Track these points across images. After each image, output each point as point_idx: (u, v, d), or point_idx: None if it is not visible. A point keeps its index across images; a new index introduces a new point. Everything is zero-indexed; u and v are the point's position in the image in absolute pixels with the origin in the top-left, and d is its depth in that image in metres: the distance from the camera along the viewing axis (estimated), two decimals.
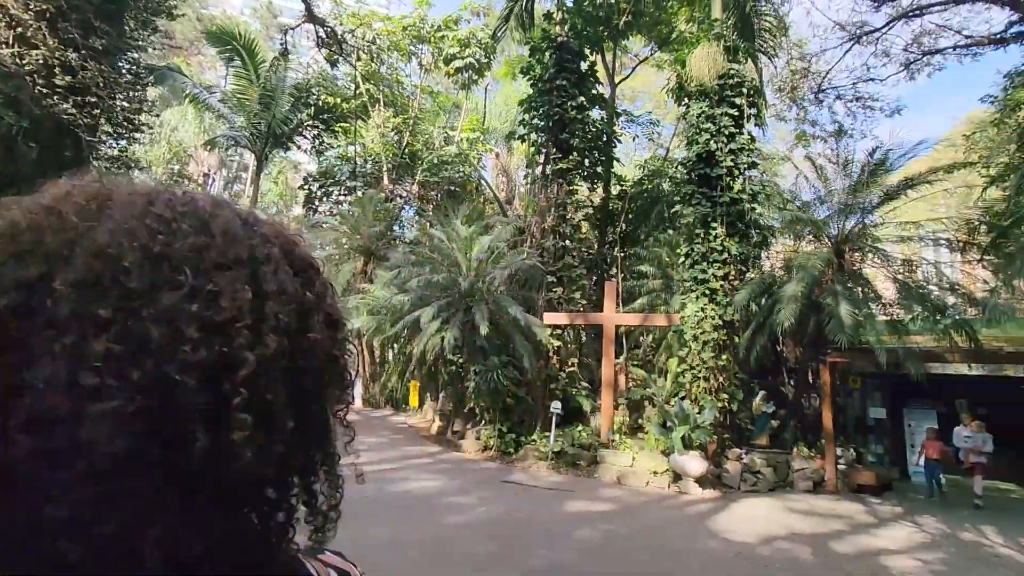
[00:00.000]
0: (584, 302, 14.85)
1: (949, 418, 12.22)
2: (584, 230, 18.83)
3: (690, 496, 9.89)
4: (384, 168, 22.07)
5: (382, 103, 22.85)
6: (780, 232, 13.81)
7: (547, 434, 12.26)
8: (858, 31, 16.80)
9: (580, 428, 12.82)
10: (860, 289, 11.41)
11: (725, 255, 11.94)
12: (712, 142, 12.27)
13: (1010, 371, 10.42)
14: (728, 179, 12.19)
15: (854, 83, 18.35)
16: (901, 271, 11.87)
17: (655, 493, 10.04)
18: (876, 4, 16.12)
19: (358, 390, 20.60)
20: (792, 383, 13.23)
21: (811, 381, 12.73)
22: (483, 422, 13.62)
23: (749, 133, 12.84)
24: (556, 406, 12.36)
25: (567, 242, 14.67)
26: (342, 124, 23.01)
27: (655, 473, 10.69)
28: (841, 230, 11.84)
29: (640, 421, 13.32)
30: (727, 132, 12.31)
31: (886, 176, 11.58)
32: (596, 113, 17.05)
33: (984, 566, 6.88)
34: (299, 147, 24.04)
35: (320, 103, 21.55)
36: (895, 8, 16.17)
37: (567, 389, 13.66)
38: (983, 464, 10.52)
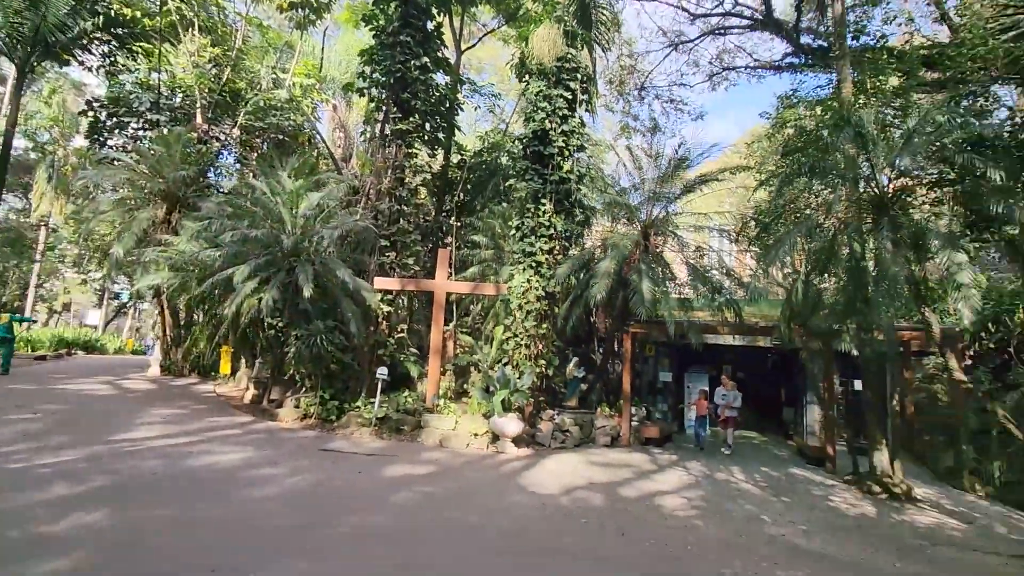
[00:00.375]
0: (417, 268, 14.72)
1: (719, 381, 14.71)
2: (422, 196, 18.54)
3: (506, 455, 10.53)
4: (198, 105, 19.19)
5: (197, 27, 19.71)
6: (601, 213, 15.07)
7: (372, 400, 12.07)
8: (676, 39, 18.77)
9: (407, 394, 12.83)
10: (660, 269, 13.00)
11: (552, 230, 12.71)
12: (547, 121, 12.85)
13: (762, 342, 12.81)
14: (559, 159, 12.91)
15: (669, 86, 20.56)
16: (692, 256, 13.80)
17: (475, 454, 10.49)
18: (691, 18, 18.12)
19: (155, 356, 18.08)
20: (601, 351, 14.73)
21: (616, 349, 14.28)
22: (304, 389, 12.93)
23: (580, 118, 13.68)
24: (383, 372, 12.19)
25: (403, 206, 14.32)
26: (143, 44, 19.35)
27: (476, 435, 11.18)
28: (649, 215, 13.31)
29: (466, 386, 13.77)
30: (561, 114, 12.98)
31: (686, 171, 13.28)
32: (440, 78, 16.73)
33: (730, 499, 8.46)
34: (83, 64, 19.69)
35: (113, 13, 17.82)
36: (706, 24, 18.37)
37: (395, 355, 13.54)
38: (734, 418, 12.80)
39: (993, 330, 11.56)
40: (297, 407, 12.32)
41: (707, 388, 14.11)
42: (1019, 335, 11.22)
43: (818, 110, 12.67)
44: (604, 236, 15.00)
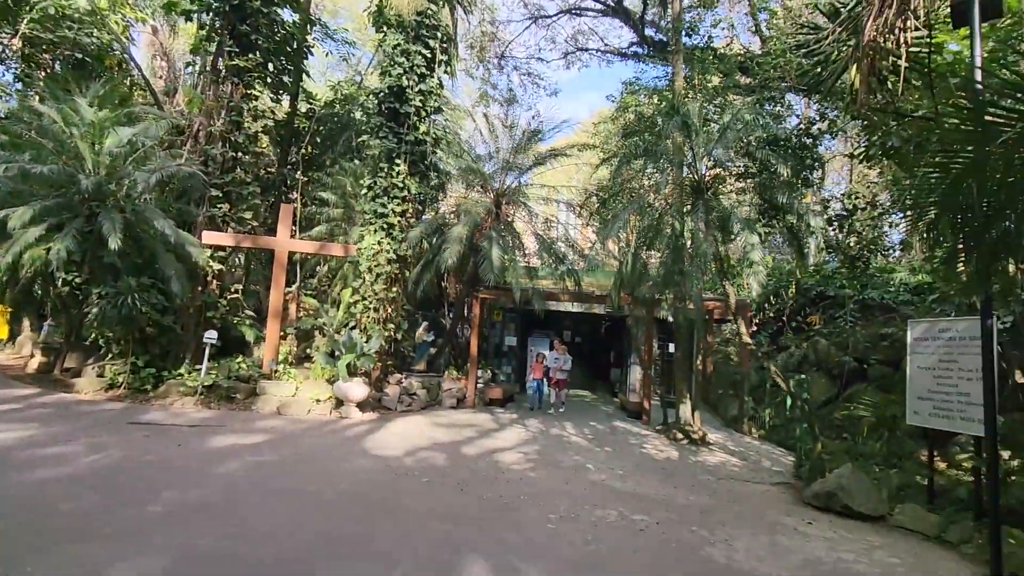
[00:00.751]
0: (256, 224, 13.51)
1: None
2: (263, 144, 16.92)
3: (351, 420, 10.30)
4: None
5: None
6: (456, 179, 15.07)
7: (199, 367, 10.95)
8: (536, 13, 19.13)
9: (240, 360, 11.86)
10: (510, 238, 13.47)
11: (405, 192, 12.42)
12: (404, 78, 12.38)
13: (597, 309, 14.02)
14: (416, 119, 12.57)
15: (528, 59, 20.99)
16: (541, 227, 14.49)
17: (316, 420, 10.11)
18: None
19: None
20: (451, 315, 14.94)
21: (466, 314, 14.60)
22: (111, 356, 11.28)
23: (439, 79, 13.40)
24: (211, 335, 11.10)
25: (240, 154, 12.92)
26: None
27: (318, 401, 10.75)
28: (502, 184, 13.64)
29: (309, 351, 13.11)
30: (419, 72, 12.58)
31: (539, 144, 13.81)
32: (288, 15, 15.15)
33: (561, 451, 9.25)
34: None
35: None
36: (564, 2, 18.96)
37: (228, 318, 12.40)
38: (564, 380, 13.56)
39: (773, 302, 13.98)
40: (101, 376, 10.75)
41: (545, 351, 15.09)
42: (791, 307, 13.71)
43: (655, 99, 13.96)
44: (458, 202, 15.06)
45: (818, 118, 10.87)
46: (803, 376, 10.98)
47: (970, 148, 3.54)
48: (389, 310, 12.28)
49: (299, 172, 16.50)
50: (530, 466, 8.04)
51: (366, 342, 11.40)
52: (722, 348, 15.01)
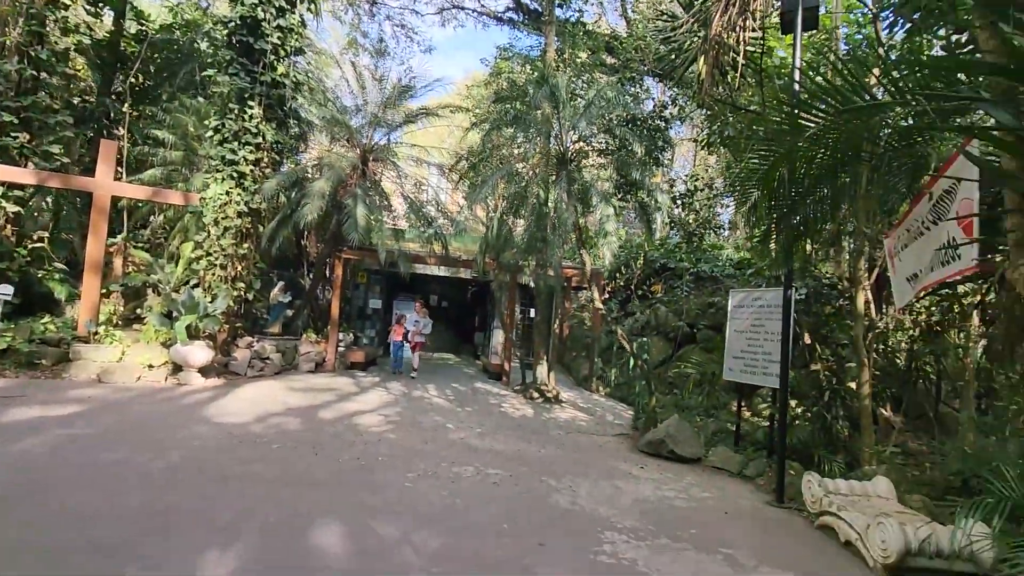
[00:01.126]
0: (68, 160, 11.45)
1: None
2: (78, 66, 14.34)
3: (191, 387, 9.39)
4: None
5: None
6: (319, 130, 14.04)
7: None
8: None
9: (47, 320, 10.14)
10: (377, 197, 12.96)
11: (260, 139, 11.30)
12: (260, 9, 11.09)
13: (464, 274, 14.15)
14: (273, 58, 11.38)
15: (402, 9, 19.94)
16: (411, 189, 14.11)
17: (148, 388, 9.05)
18: None
19: None
20: (311, 276, 14.11)
21: (328, 275, 13.89)
22: None
23: (301, 17, 12.19)
24: (5, 291, 9.33)
25: (44, 74, 10.77)
26: None
27: (150, 367, 9.61)
28: (369, 140, 13.00)
29: (139, 311, 11.61)
30: (278, 4, 11.35)
31: (410, 102, 13.32)
32: None
33: (423, 412, 9.33)
34: None
35: None
36: None
37: (28, 270, 10.48)
38: (422, 343, 13.29)
39: (624, 272, 15.21)
40: None
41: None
42: (638, 276, 15.03)
43: (527, 68, 14.13)
44: (321, 155, 14.09)
45: (670, 103, 11.82)
46: (644, 339, 12.18)
47: (787, 140, 4.09)
48: (239, 268, 11.24)
49: (127, 104, 14.17)
50: (390, 428, 8.02)
51: (211, 302, 10.37)
52: (578, 313, 16.06)
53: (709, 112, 9.96)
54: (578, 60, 11.49)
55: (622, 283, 15.45)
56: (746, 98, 9.68)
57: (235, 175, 11.05)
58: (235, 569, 3.54)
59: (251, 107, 11.19)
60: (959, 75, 3.43)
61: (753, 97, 9.44)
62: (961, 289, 7.55)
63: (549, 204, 9.85)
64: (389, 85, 13.21)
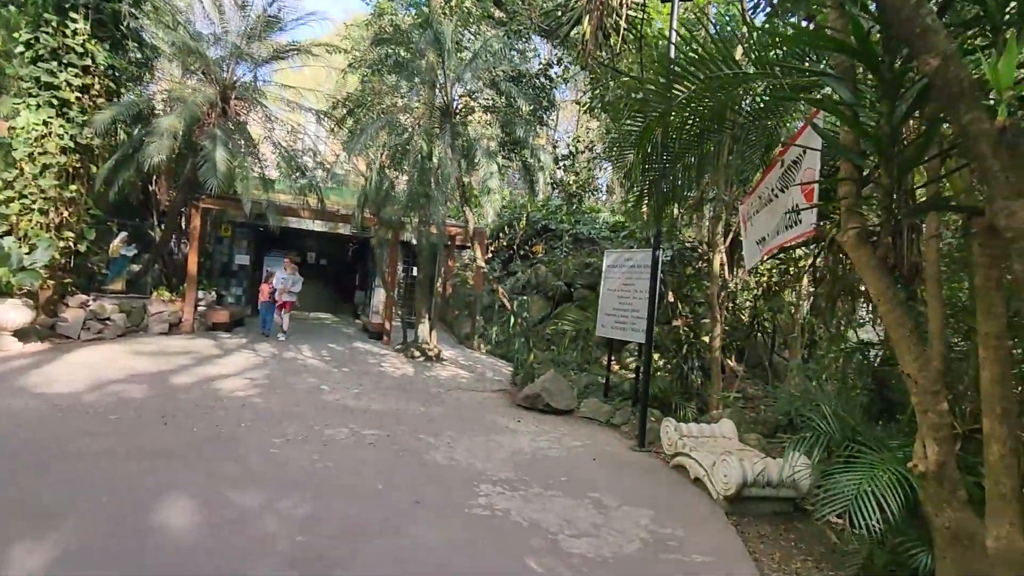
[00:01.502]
0: None
1: (300, 266, 14.70)
2: None
3: (5, 353, 7.98)
4: None
5: None
6: (169, 58, 12.16)
7: None
8: None
9: None
10: (242, 141, 11.64)
11: (88, 61, 9.53)
12: None
13: (343, 230, 13.36)
14: None
15: None
16: (284, 135, 12.85)
17: None
18: None
19: None
20: (163, 226, 12.48)
21: (184, 226, 12.39)
22: None
23: None
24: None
25: None
26: None
27: None
28: (230, 75, 11.56)
29: None
30: None
31: (279, 35, 11.98)
32: None
33: (295, 374, 8.81)
34: None
35: None
36: None
37: None
38: (291, 302, 12.26)
39: (507, 231, 15.34)
40: None
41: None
42: (520, 236, 15.25)
43: (412, 12, 13.30)
44: (172, 88, 12.29)
45: (556, 62, 11.83)
46: (524, 298, 12.46)
47: (662, 106, 4.23)
48: (65, 214, 9.58)
49: None
50: (256, 392, 7.47)
51: (27, 253, 8.79)
52: (461, 272, 16.00)
53: (592, 76, 10.12)
54: (465, 7, 11.01)
55: (505, 243, 15.59)
56: (626, 65, 9.96)
57: (56, 102, 9.27)
58: (54, 558, 3.07)
59: (74, 20, 9.35)
60: (811, 55, 3.73)
61: (633, 64, 9.73)
62: (796, 254, 8.57)
63: (433, 158, 9.51)
64: (253, 14, 11.73)
